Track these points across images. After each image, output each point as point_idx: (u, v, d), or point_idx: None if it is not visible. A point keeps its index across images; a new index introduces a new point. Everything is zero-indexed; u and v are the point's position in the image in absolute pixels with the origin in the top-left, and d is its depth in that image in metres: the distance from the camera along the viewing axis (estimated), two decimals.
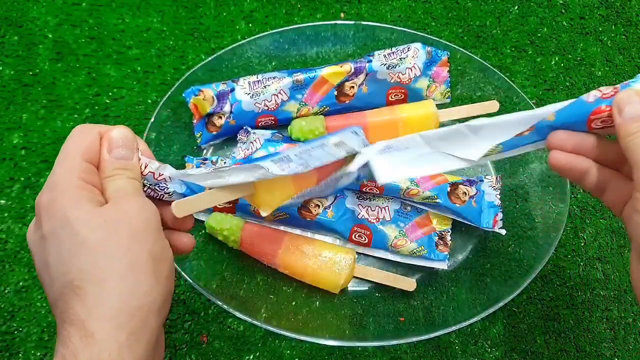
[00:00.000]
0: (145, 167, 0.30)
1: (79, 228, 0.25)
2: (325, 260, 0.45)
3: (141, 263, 0.26)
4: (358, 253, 0.48)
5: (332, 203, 0.48)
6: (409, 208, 0.49)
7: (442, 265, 0.47)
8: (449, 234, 0.48)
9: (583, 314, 0.48)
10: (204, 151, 0.53)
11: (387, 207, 0.49)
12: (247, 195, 0.33)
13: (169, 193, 0.31)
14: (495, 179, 0.50)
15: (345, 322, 0.46)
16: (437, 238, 0.48)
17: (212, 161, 0.51)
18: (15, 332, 0.45)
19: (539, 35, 0.61)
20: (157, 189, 0.31)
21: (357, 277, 0.47)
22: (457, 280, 0.48)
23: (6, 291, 0.47)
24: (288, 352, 0.45)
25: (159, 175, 0.31)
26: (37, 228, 0.27)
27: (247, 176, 0.31)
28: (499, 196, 0.49)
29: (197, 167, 0.51)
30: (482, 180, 0.50)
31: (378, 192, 0.49)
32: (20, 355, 0.45)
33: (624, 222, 0.30)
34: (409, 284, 0.46)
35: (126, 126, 0.30)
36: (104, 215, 0.26)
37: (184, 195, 0.31)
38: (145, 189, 0.31)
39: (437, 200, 0.47)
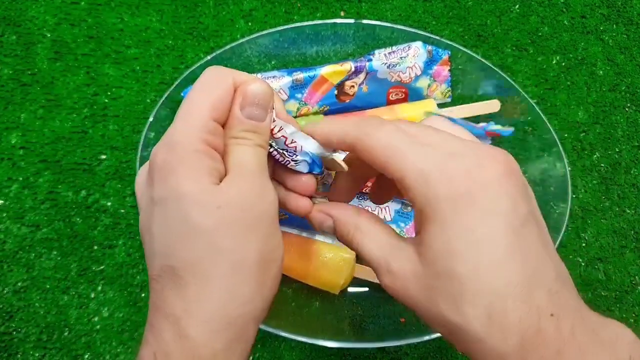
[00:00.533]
0: (280, 131, 0.27)
1: (191, 209, 0.22)
2: (325, 261, 0.45)
3: (248, 264, 0.23)
4: None
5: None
6: (409, 208, 0.49)
7: None
8: None
9: None
10: None
11: (387, 207, 0.48)
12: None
13: (296, 161, 0.28)
14: None
15: (345, 323, 0.45)
16: None
17: None
18: (14, 333, 0.45)
19: (539, 34, 0.60)
20: (286, 154, 0.28)
21: (357, 278, 0.47)
22: None
23: (5, 291, 0.46)
24: (287, 353, 0.45)
25: (292, 142, 0.27)
26: (149, 183, 0.24)
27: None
28: None
29: None
30: None
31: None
32: (19, 356, 0.44)
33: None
34: None
35: (264, 81, 0.26)
36: (221, 198, 0.22)
37: (309, 167, 0.28)
38: (271, 150, 0.27)
39: None
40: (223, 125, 0.25)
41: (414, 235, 0.47)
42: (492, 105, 0.50)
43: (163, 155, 0.23)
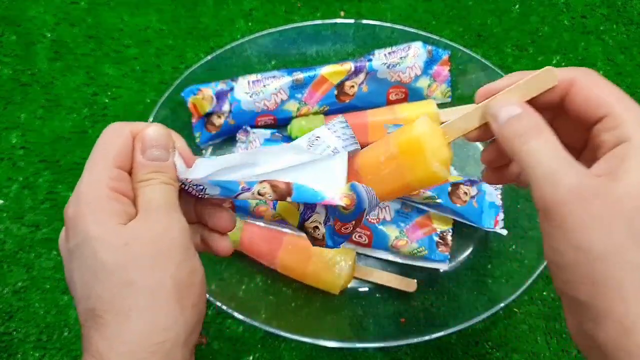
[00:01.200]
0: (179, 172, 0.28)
1: (99, 249, 0.23)
2: (325, 261, 0.45)
3: (164, 293, 0.23)
4: (358, 253, 0.48)
5: None
6: (409, 208, 0.49)
7: (443, 266, 0.47)
8: (450, 234, 0.48)
9: None
10: (203, 151, 0.53)
11: (387, 207, 0.48)
12: None
13: (206, 193, 0.28)
14: None
15: (345, 323, 0.45)
16: (437, 238, 0.47)
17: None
18: (14, 333, 0.45)
19: (540, 34, 0.60)
20: (194, 188, 0.28)
21: (357, 278, 0.47)
22: (458, 280, 0.47)
23: (4, 292, 0.46)
24: (288, 353, 0.45)
25: (190, 181, 0.28)
26: (66, 239, 0.25)
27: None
28: (500, 196, 0.49)
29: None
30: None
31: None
32: (19, 356, 0.44)
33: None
34: (409, 284, 0.46)
35: (160, 123, 0.27)
36: (127, 235, 0.24)
37: (219, 196, 0.28)
38: (186, 187, 0.28)
39: (438, 201, 0.47)
40: (130, 173, 0.27)
41: (414, 235, 0.48)
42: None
43: (71, 207, 0.25)
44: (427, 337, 0.42)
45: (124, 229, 0.24)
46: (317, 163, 0.29)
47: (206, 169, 0.28)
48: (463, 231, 0.50)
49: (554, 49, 0.60)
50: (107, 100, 0.54)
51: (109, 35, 0.57)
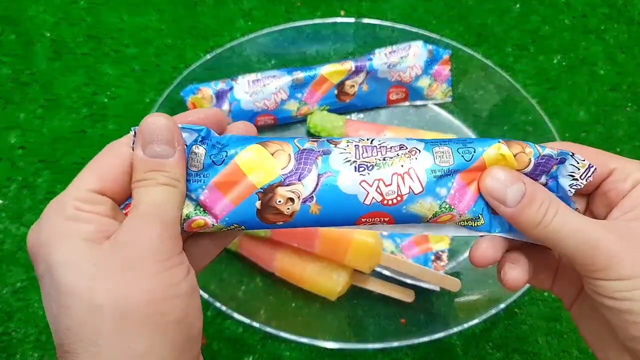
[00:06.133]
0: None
1: (63, 275, 0.20)
2: (323, 267, 0.45)
3: (135, 312, 0.20)
4: None
5: None
6: None
7: (434, 287, 0.46)
8: (446, 254, 0.47)
9: None
10: None
11: None
12: None
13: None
14: None
15: (345, 323, 0.45)
16: (433, 257, 0.47)
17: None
18: (13, 333, 0.45)
19: (540, 33, 0.60)
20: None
21: (355, 285, 0.46)
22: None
23: (3, 292, 0.46)
24: (287, 354, 0.45)
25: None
26: (35, 271, 0.22)
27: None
28: None
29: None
30: None
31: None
32: (18, 356, 0.44)
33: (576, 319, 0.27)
34: (407, 294, 0.45)
35: (163, 113, 0.23)
36: (97, 254, 0.20)
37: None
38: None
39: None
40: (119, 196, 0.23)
41: (409, 252, 0.47)
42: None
43: (33, 234, 0.22)
44: (427, 338, 0.42)
45: (95, 247, 0.21)
46: None
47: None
48: None
49: (554, 48, 0.59)
50: (106, 100, 0.54)
51: (108, 34, 0.57)
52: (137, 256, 0.21)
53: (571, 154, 0.24)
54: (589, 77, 0.58)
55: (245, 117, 0.51)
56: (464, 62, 0.54)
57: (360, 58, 0.52)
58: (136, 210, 0.22)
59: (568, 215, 0.23)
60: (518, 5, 0.61)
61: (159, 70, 0.56)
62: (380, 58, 0.51)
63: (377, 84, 0.52)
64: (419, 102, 0.55)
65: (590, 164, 0.24)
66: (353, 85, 0.52)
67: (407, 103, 0.54)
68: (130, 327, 0.20)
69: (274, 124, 0.53)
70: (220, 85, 0.51)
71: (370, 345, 0.43)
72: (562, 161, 0.24)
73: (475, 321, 0.42)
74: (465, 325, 0.42)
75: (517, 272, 0.26)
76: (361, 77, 0.52)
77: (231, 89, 0.51)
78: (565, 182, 0.24)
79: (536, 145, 0.24)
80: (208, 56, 0.53)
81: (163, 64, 0.56)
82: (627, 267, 0.21)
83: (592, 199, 0.27)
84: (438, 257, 0.47)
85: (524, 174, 0.24)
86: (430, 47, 0.52)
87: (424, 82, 0.53)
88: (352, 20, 0.55)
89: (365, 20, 0.55)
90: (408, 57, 0.52)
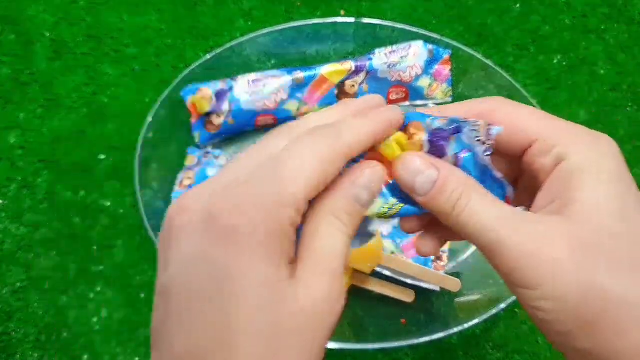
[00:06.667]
0: None
1: (265, 306, 0.17)
2: None
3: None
4: None
5: None
6: None
7: (435, 287, 0.46)
8: (446, 254, 0.47)
9: None
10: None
11: (386, 222, 0.48)
12: None
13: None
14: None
15: (345, 323, 0.45)
16: (433, 257, 0.47)
17: (214, 156, 0.50)
18: (13, 334, 0.45)
19: (541, 33, 0.60)
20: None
21: (355, 286, 0.46)
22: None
23: (3, 292, 0.46)
24: None
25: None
26: (202, 233, 0.18)
27: None
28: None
29: (199, 159, 0.51)
30: None
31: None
32: (18, 356, 0.44)
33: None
34: (407, 294, 0.45)
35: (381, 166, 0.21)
36: (295, 305, 0.17)
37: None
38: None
39: None
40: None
41: (409, 252, 0.47)
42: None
43: (237, 221, 0.17)
44: (427, 338, 0.42)
45: (293, 291, 0.18)
46: None
47: None
48: None
49: (554, 48, 0.59)
50: (106, 100, 0.54)
51: (108, 34, 0.57)
52: (323, 337, 0.18)
53: (463, 119, 0.21)
54: (589, 77, 0.58)
55: (245, 117, 0.51)
56: (464, 62, 0.54)
57: (361, 58, 0.52)
58: (329, 267, 0.19)
59: (480, 207, 0.20)
60: (518, 5, 0.61)
61: (158, 70, 0.56)
62: (380, 58, 0.51)
63: (377, 84, 0.52)
64: (419, 102, 0.55)
65: (487, 123, 0.21)
66: (353, 85, 0.52)
67: (407, 103, 0.54)
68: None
69: (274, 124, 0.53)
70: (220, 85, 0.51)
71: (370, 346, 0.43)
72: (458, 130, 0.21)
73: (476, 321, 0.42)
74: (466, 326, 0.42)
75: (428, 246, 0.24)
76: (361, 77, 0.52)
77: (231, 88, 0.51)
78: (480, 150, 0.21)
79: (427, 120, 0.22)
80: (208, 56, 0.53)
81: (163, 63, 0.56)
82: (529, 276, 0.18)
83: (522, 178, 0.24)
84: (438, 257, 0.47)
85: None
86: (430, 47, 0.52)
87: (424, 82, 0.53)
88: (352, 20, 0.55)
89: (366, 20, 0.55)
90: (408, 57, 0.52)
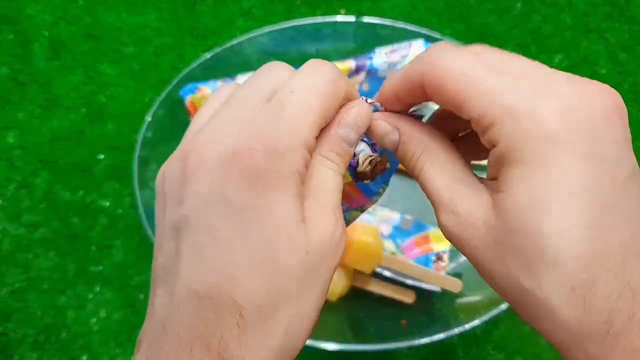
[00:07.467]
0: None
1: (280, 246, 0.18)
2: None
3: (308, 315, 0.19)
4: None
5: None
6: (408, 225, 0.48)
7: (435, 288, 0.45)
8: (446, 254, 0.47)
9: None
10: None
11: (385, 222, 0.48)
12: None
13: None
14: None
15: (345, 325, 0.45)
16: (434, 258, 0.47)
17: None
18: (11, 334, 0.45)
19: (542, 33, 0.60)
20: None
21: (355, 286, 0.46)
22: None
23: (2, 292, 0.46)
24: None
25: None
26: (220, 173, 0.18)
27: None
28: None
29: None
30: None
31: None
32: (16, 357, 0.44)
33: None
34: (408, 295, 0.45)
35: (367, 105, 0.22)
36: (308, 243, 0.18)
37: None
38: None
39: None
40: None
41: (410, 253, 0.47)
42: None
43: (262, 159, 0.18)
44: (428, 339, 0.41)
45: (305, 230, 0.19)
46: None
47: None
48: None
49: (555, 47, 0.59)
50: (105, 100, 0.54)
51: (107, 34, 0.57)
52: (328, 268, 0.20)
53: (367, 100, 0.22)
54: (591, 76, 0.58)
55: None
56: None
57: (361, 57, 0.52)
58: (329, 202, 0.20)
59: (431, 174, 0.20)
60: (519, 4, 0.61)
61: (158, 70, 0.56)
62: (380, 57, 0.51)
63: (378, 83, 0.52)
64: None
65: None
66: (353, 85, 0.52)
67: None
68: (300, 327, 0.19)
69: None
70: (220, 84, 0.51)
71: (370, 347, 0.43)
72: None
73: (477, 322, 0.42)
74: (467, 327, 0.42)
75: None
76: (362, 76, 0.51)
77: None
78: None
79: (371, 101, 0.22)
80: (207, 55, 0.52)
81: (162, 63, 0.56)
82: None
83: None
84: (439, 258, 0.47)
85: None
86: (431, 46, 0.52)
87: None
88: (352, 19, 0.55)
89: (366, 19, 0.55)
90: (409, 56, 0.51)
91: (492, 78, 0.19)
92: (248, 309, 0.17)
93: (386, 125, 0.22)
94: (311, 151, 0.19)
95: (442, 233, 0.20)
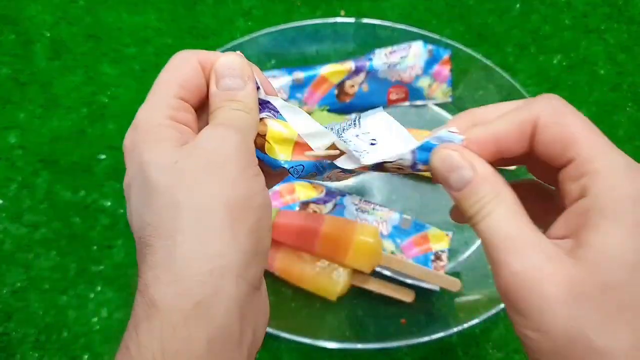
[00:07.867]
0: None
1: (150, 172, 0.21)
2: (323, 267, 0.45)
3: (211, 213, 0.20)
4: None
5: (330, 211, 0.48)
6: (408, 224, 0.48)
7: (435, 287, 0.45)
8: (445, 254, 0.47)
9: None
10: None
11: (385, 222, 0.48)
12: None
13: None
14: None
15: (345, 323, 0.45)
16: (433, 257, 0.47)
17: None
18: (12, 334, 0.45)
19: (541, 33, 0.60)
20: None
21: (355, 286, 0.46)
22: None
23: (3, 292, 0.46)
24: (287, 354, 0.45)
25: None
26: (126, 174, 0.23)
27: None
28: None
29: None
30: None
31: None
32: (18, 356, 0.44)
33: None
34: (407, 294, 0.45)
35: (236, 53, 0.25)
36: (178, 154, 0.21)
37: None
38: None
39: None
40: (196, 109, 0.25)
41: (409, 252, 0.47)
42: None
43: (128, 138, 0.23)
44: (427, 338, 0.42)
45: (178, 149, 0.22)
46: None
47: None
48: (464, 230, 0.49)
49: (555, 48, 0.59)
50: (106, 100, 0.54)
51: (107, 34, 0.57)
52: (217, 160, 0.21)
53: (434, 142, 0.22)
54: (590, 76, 0.58)
55: None
56: (464, 62, 0.54)
57: (361, 58, 0.52)
58: (214, 122, 0.23)
59: (497, 222, 0.20)
60: (518, 5, 0.61)
61: (158, 70, 0.55)
62: (380, 58, 0.51)
63: (377, 84, 0.52)
64: (419, 102, 0.55)
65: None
66: (353, 85, 0.52)
67: (407, 103, 0.54)
68: (205, 227, 0.20)
69: None
70: None
71: (370, 346, 0.43)
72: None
73: (476, 321, 0.42)
74: (466, 326, 0.42)
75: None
76: (361, 77, 0.52)
77: None
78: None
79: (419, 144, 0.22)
80: None
81: (163, 63, 0.55)
82: (520, 304, 0.19)
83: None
84: (438, 257, 0.47)
85: None
86: (430, 47, 0.52)
87: (424, 82, 0.53)
88: (352, 20, 0.55)
89: (366, 20, 0.55)
90: (408, 57, 0.52)
91: (604, 137, 0.20)
92: (150, 237, 0.21)
93: (460, 159, 0.21)
94: (180, 109, 0.24)
95: (504, 282, 0.19)
